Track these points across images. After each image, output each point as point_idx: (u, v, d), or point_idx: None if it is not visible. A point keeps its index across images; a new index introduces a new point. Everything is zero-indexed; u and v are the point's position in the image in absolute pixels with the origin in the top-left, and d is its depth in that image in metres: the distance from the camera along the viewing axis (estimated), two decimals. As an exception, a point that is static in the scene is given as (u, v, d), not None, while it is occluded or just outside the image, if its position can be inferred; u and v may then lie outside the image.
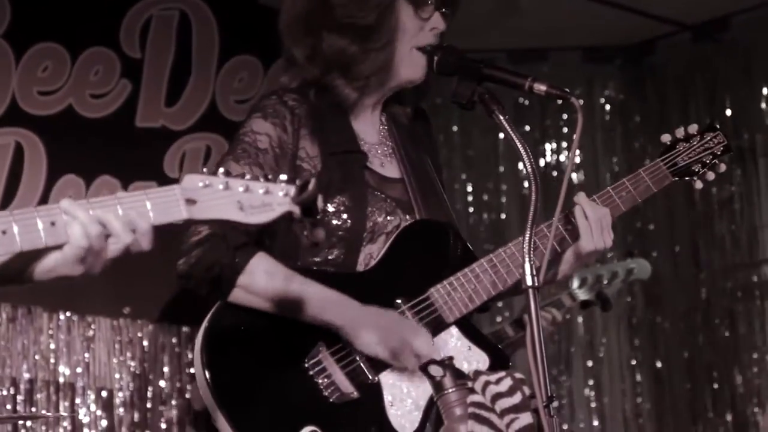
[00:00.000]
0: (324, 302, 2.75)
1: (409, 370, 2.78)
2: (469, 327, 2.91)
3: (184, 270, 2.77)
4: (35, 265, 2.14)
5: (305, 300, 2.74)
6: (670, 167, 3.10)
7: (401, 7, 2.92)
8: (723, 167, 3.16)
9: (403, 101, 3.07)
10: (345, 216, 2.84)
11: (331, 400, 2.73)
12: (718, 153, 3.15)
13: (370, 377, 2.77)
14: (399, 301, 2.83)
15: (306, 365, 2.75)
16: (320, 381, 2.73)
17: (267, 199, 2.09)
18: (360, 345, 2.76)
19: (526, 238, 2.59)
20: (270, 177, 2.12)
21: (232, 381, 2.70)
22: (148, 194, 2.10)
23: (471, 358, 2.87)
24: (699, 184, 3.15)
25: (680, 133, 3.14)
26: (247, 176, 2.11)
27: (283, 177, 2.11)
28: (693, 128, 3.15)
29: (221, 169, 2.11)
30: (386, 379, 2.78)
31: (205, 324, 2.75)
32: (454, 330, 2.88)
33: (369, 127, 3.01)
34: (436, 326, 2.85)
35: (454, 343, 2.87)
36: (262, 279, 2.74)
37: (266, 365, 2.74)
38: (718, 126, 3.20)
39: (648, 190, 3.07)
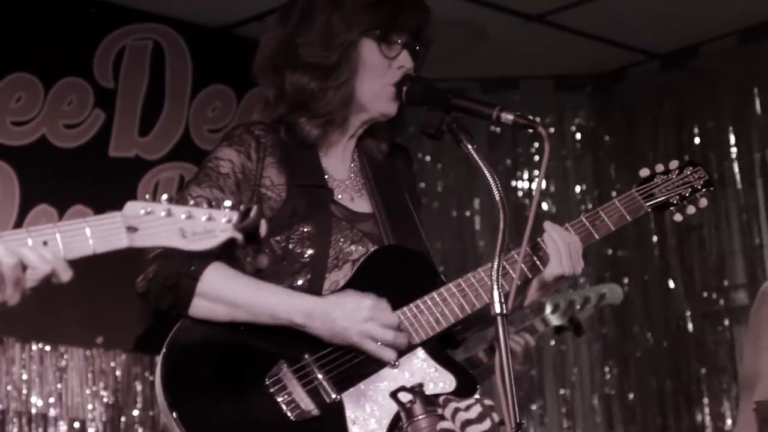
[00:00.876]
0: (284, 301, 2.77)
1: (388, 342, 2.78)
2: (437, 349, 2.91)
3: (142, 286, 2.80)
4: None
5: (266, 301, 2.77)
6: (646, 198, 3.07)
7: (366, 45, 2.94)
8: (704, 202, 3.11)
9: (377, 135, 3.10)
10: (308, 243, 2.86)
11: (291, 417, 2.74)
12: (698, 187, 3.11)
13: (333, 395, 2.78)
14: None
15: (267, 383, 2.76)
16: (281, 399, 2.74)
17: (210, 226, 2.09)
18: (329, 339, 2.78)
19: (495, 266, 2.61)
20: (213, 204, 2.12)
21: (193, 401, 2.71)
22: (88, 222, 2.10)
23: (437, 379, 2.88)
24: (678, 217, 3.11)
25: (659, 167, 3.12)
26: (191, 202, 2.12)
27: (227, 203, 2.12)
28: (673, 164, 3.13)
29: (165, 196, 2.12)
30: (349, 397, 2.79)
31: (164, 348, 2.76)
32: (420, 352, 2.89)
33: (338, 164, 3.03)
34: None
35: (419, 365, 2.88)
36: (220, 284, 2.76)
37: (227, 385, 2.75)
38: (699, 163, 3.16)
39: (622, 219, 3.05)
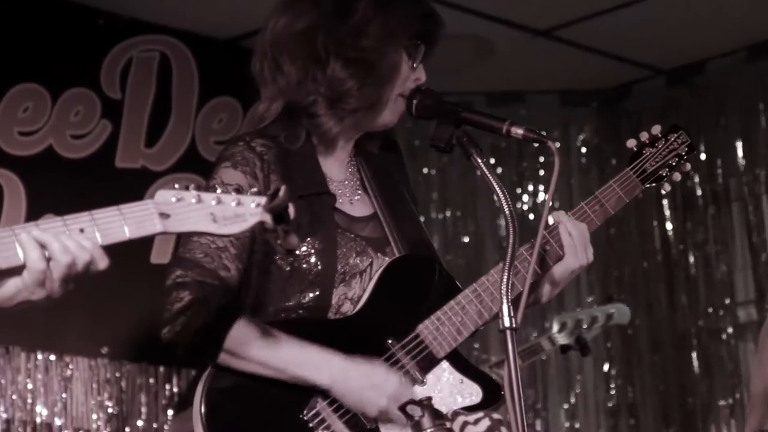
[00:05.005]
0: (309, 364, 2.75)
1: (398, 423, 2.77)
2: (459, 360, 2.91)
3: (170, 338, 2.74)
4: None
5: (291, 363, 2.75)
6: (639, 175, 3.11)
7: (402, 54, 2.92)
8: (688, 166, 3.16)
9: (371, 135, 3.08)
10: (314, 259, 2.84)
11: None
12: (683, 153, 3.15)
13: (368, 425, 2.78)
14: (390, 341, 2.84)
15: (305, 418, 2.75)
16: None
17: (239, 210, 2.13)
18: (348, 405, 2.76)
19: (504, 280, 2.60)
20: (241, 190, 2.16)
21: None
22: (122, 210, 2.13)
23: (464, 391, 2.87)
24: (667, 187, 3.15)
25: (644, 136, 3.14)
26: (219, 190, 2.15)
27: (254, 189, 2.18)
28: (656, 129, 3.15)
29: (192, 184, 2.14)
30: (385, 426, 2.79)
31: (202, 384, 2.74)
32: (445, 364, 2.89)
33: (335, 165, 2.99)
34: (429, 363, 2.85)
35: (447, 378, 2.87)
36: (247, 346, 2.73)
37: (265, 421, 2.75)
38: (680, 126, 3.21)
39: (620, 201, 3.08)
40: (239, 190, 2.14)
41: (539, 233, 2.71)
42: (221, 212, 2.13)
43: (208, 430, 2.70)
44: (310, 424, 2.75)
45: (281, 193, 2.12)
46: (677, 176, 3.15)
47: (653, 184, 3.14)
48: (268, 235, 2.15)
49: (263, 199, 2.13)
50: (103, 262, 2.13)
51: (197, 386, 2.75)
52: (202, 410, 2.71)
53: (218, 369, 2.76)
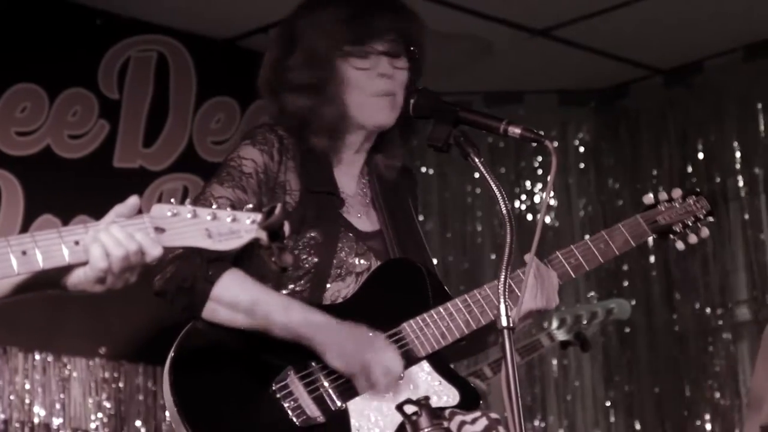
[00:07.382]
0: (295, 314, 2.79)
1: (379, 386, 2.80)
2: (440, 362, 2.93)
3: (159, 285, 2.80)
4: (68, 277, 2.20)
5: (278, 313, 2.78)
6: (650, 224, 3.12)
7: (341, 62, 2.95)
8: (706, 232, 3.16)
9: (388, 153, 3.10)
10: (313, 252, 2.88)
11: (297, 423, 2.76)
12: (701, 216, 3.16)
13: (338, 403, 2.79)
14: (370, 333, 2.85)
15: (273, 389, 2.77)
16: (287, 405, 2.76)
17: (234, 227, 2.14)
18: (331, 358, 2.78)
19: (501, 279, 2.61)
20: (236, 206, 2.19)
21: (200, 404, 2.74)
22: (119, 224, 2.15)
23: (441, 393, 2.89)
24: (680, 245, 3.16)
25: (663, 195, 3.16)
26: (213, 204, 2.18)
27: (249, 206, 2.19)
28: (676, 192, 3.17)
29: (188, 199, 2.16)
30: (354, 406, 2.81)
31: (172, 353, 2.77)
32: (425, 365, 2.91)
33: (347, 178, 3.04)
34: (406, 359, 2.86)
35: (424, 378, 2.90)
36: (236, 291, 2.78)
37: (234, 389, 2.78)
38: (702, 192, 3.21)
39: (627, 244, 3.09)
40: (234, 206, 2.16)
41: (536, 237, 2.72)
42: (216, 228, 2.14)
43: (175, 394, 2.72)
44: (278, 395, 2.77)
45: (277, 210, 2.13)
46: (693, 239, 3.16)
47: (664, 237, 3.15)
48: (262, 251, 2.16)
49: (259, 216, 2.14)
50: (156, 250, 2.15)
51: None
52: (170, 374, 2.74)
53: (193, 331, 2.79)
